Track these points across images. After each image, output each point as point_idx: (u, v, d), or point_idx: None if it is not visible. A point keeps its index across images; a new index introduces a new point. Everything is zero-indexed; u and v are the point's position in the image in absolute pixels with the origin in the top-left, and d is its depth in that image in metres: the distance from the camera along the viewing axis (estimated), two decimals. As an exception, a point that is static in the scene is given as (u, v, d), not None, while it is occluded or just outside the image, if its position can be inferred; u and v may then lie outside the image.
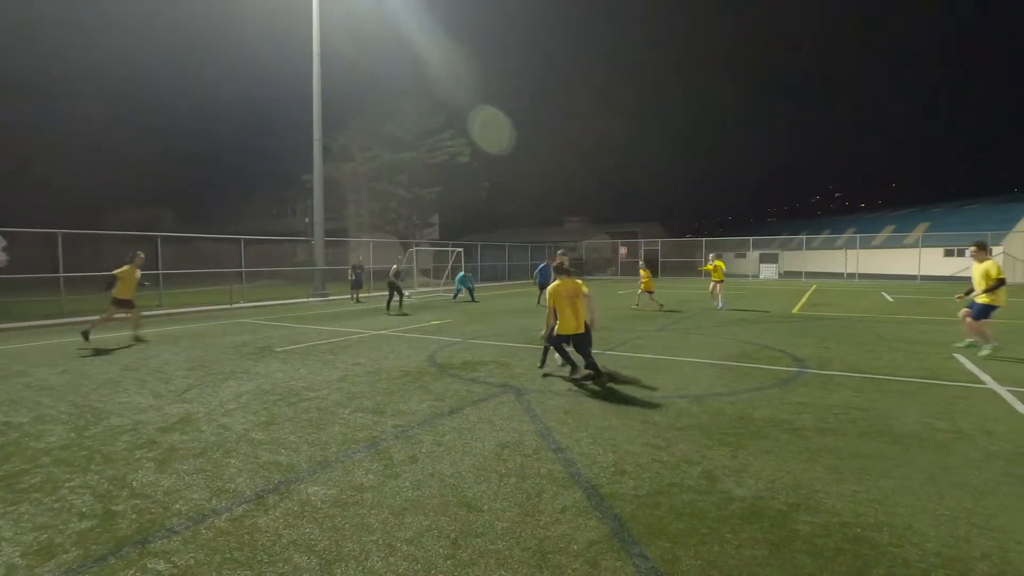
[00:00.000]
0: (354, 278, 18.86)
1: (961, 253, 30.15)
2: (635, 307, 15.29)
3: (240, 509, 3.25)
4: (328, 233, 22.46)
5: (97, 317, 10.31)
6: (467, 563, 2.66)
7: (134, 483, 3.66)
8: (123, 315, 10.18)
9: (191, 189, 46.11)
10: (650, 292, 15.13)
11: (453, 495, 3.40)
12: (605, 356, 8.08)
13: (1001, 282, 7.58)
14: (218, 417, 5.15)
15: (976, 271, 7.88)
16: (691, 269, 36.18)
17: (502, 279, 32.11)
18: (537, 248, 37.42)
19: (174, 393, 6.10)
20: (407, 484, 3.57)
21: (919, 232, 34.01)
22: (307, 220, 31.37)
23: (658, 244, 37.82)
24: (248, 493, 3.47)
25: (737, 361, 7.60)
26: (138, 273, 10.12)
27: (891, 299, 13.25)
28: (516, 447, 4.23)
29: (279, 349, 8.97)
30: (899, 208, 47.09)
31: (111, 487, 3.60)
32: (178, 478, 3.73)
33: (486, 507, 3.23)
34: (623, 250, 40.95)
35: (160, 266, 16.47)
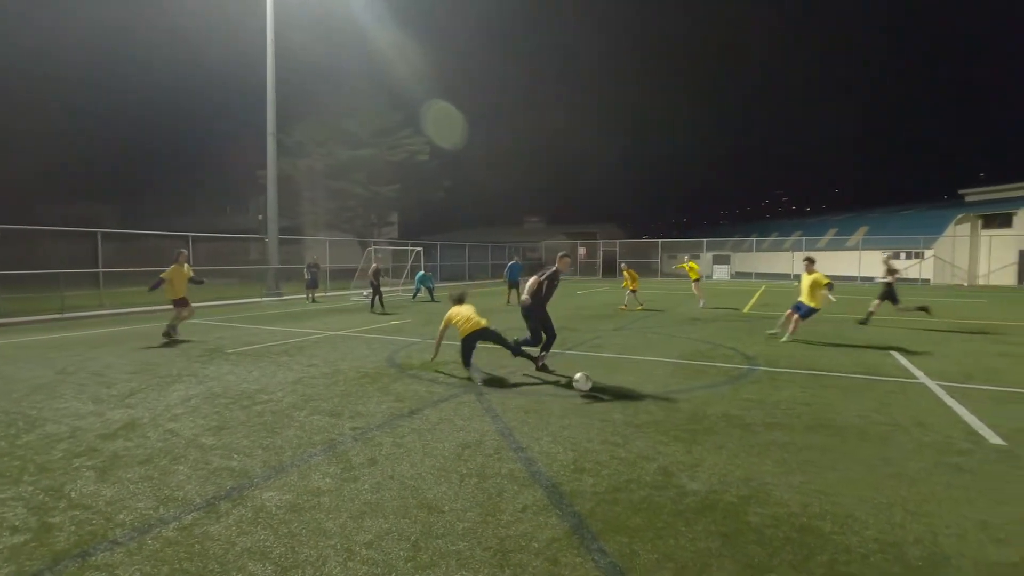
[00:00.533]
0: (309, 277, 18.41)
1: (896, 256, 31.96)
2: (623, 307, 15.34)
3: (189, 517, 3.12)
4: (283, 231, 21.85)
5: (168, 324, 9.82)
6: (428, 565, 2.64)
7: (73, 493, 3.46)
8: (187, 313, 10.00)
9: (135, 183, 43.95)
10: (633, 291, 15.34)
11: (413, 497, 3.37)
12: (566, 356, 8.18)
13: (829, 286, 9.29)
14: (165, 422, 4.93)
15: (806, 280, 9.37)
16: (648, 269, 37.01)
17: (462, 279, 31.98)
18: (497, 248, 37.47)
19: (117, 398, 5.80)
20: (366, 487, 3.52)
21: (859, 235, 35.85)
22: (260, 217, 30.40)
23: (616, 245, 38.47)
24: (198, 500, 3.34)
25: (692, 359, 7.83)
26: (188, 270, 9.89)
27: (834, 299, 13.97)
28: (477, 447, 4.23)
29: (231, 351, 8.66)
30: (841, 212, 49.52)
31: (47, 498, 3.40)
32: (121, 487, 3.55)
33: (447, 508, 3.22)
34: (582, 251, 41.47)
35: (100, 264, 15.63)
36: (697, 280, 15.85)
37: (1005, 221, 29.85)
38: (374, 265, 15.72)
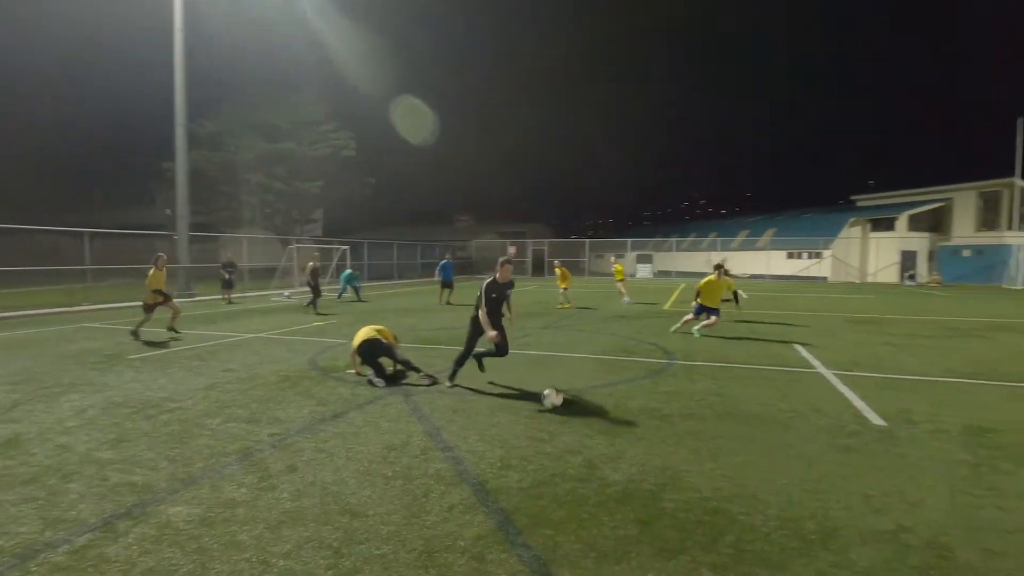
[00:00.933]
0: (227, 277, 17.35)
1: (799, 255, 34.68)
2: (559, 306, 15.45)
3: (83, 539, 2.87)
4: (194, 228, 20.44)
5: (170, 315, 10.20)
6: (350, 571, 2.58)
7: (-60, 521, 3.08)
8: (166, 307, 10.14)
9: (25, 174, 39.46)
10: (565, 289, 15.60)
11: (336, 503, 3.28)
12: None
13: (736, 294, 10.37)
14: (55, 436, 4.49)
15: (713, 283, 10.14)
16: (576, 268, 37.92)
17: (390, 278, 31.34)
18: (428, 247, 37.02)
19: (-4, 412, 5.21)
20: (285, 495, 3.37)
21: (768, 236, 38.54)
22: (168, 212, 28.27)
23: (545, 244, 39.12)
24: (93, 520, 3.07)
25: (615, 355, 8.11)
26: (155, 272, 9.96)
27: (745, 295, 15.01)
28: (403, 449, 4.17)
29: (133, 356, 8.02)
30: (752, 215, 53.00)
31: (-93, 528, 3.00)
32: (1, 511, 3.20)
33: (371, 512, 3.16)
34: (512, 249, 41.86)
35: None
36: (621, 280, 16.66)
37: (889, 225, 33.16)
38: (311, 264, 15.01)
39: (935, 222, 33.74)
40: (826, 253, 33.67)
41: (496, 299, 5.96)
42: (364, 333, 6.55)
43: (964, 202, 33.14)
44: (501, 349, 6.07)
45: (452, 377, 6.20)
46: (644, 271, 37.66)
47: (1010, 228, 30.36)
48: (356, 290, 18.00)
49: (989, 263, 28.93)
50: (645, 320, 12.52)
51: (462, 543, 2.82)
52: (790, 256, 35.49)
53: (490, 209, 65.03)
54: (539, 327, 11.37)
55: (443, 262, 17.02)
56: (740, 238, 40.79)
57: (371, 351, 6.39)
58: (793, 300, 18.55)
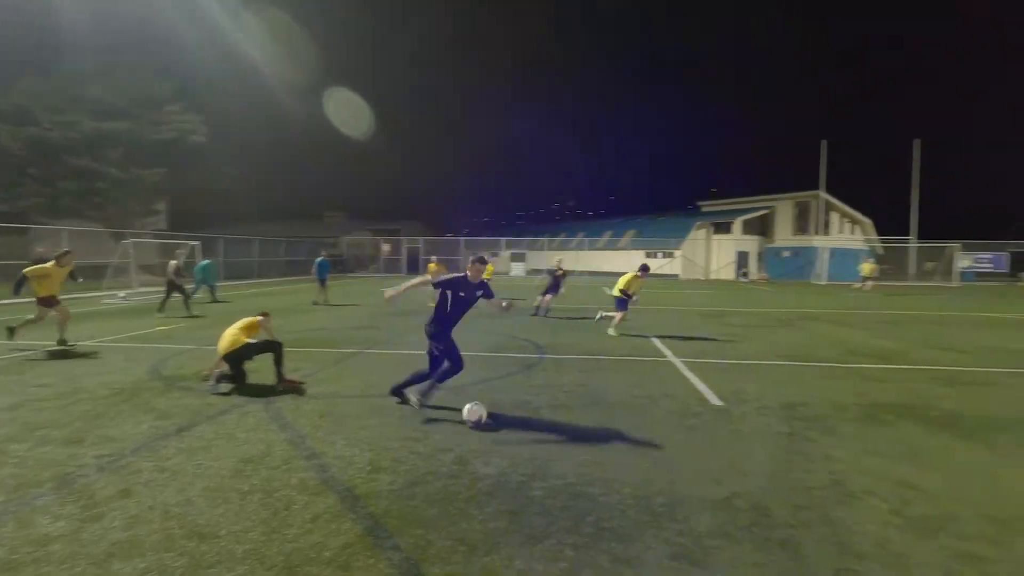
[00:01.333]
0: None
1: (655, 255, 38.01)
2: (431, 304, 15.09)
3: None
4: (-4, 217, 17.12)
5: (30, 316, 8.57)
6: (197, 600, 2.34)
7: None
8: (53, 314, 8.58)
9: None
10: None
11: (180, 526, 2.95)
12: (367, 355, 7.96)
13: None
14: None
15: (626, 279, 10.55)
16: (453, 267, 37.92)
17: (249, 276, 28.90)
18: (294, 244, 34.71)
19: None
20: (116, 524, 2.97)
21: (629, 237, 41.71)
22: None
23: (420, 242, 38.65)
24: None
25: (490, 352, 8.26)
26: (59, 270, 8.58)
27: (610, 292, 16.38)
28: (262, 461, 3.87)
29: (-93, 374, 6.52)
30: (615, 216, 57.00)
31: None
32: None
33: (223, 532, 2.89)
34: (386, 247, 40.76)
35: None
36: (490, 278, 17.12)
37: (727, 228, 37.62)
38: (173, 262, 13.22)
39: (763, 227, 38.92)
40: (677, 253, 37.26)
41: (462, 299, 5.10)
42: (231, 337, 5.88)
43: (784, 210, 38.64)
44: (456, 364, 5.09)
45: (406, 395, 5.31)
46: (517, 269, 38.80)
47: (816, 233, 36.01)
48: (211, 289, 16.34)
49: (802, 262, 34.00)
50: (518, 317, 12.90)
51: (327, 553, 2.69)
52: (648, 255, 38.76)
53: (363, 206, 62.75)
54: (415, 326, 11.20)
55: (319, 260, 16.06)
56: (605, 238, 43.61)
57: (239, 357, 5.83)
58: (651, 296, 20.28)
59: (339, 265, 35.19)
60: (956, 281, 31.92)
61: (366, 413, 5.03)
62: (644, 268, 10.86)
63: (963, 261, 33.70)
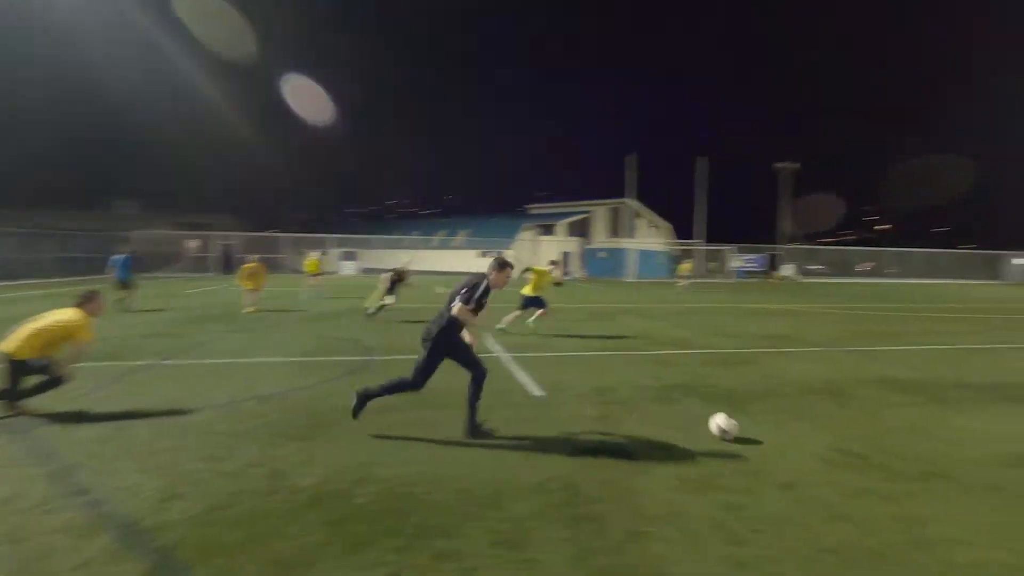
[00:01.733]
0: None
1: (488, 254, 39.32)
2: (246, 310, 13.30)
3: None
4: None
5: None
6: None
7: None
8: None
9: None
10: (254, 289, 13.49)
11: None
12: (163, 366, 6.95)
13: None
14: None
15: (539, 276, 10.73)
16: (278, 266, 34.89)
17: (10, 278, 23.34)
18: (69, 236, 28.88)
19: None
20: None
21: (462, 236, 42.53)
22: None
23: (235, 238, 34.88)
24: None
25: (313, 356, 7.77)
26: None
27: (441, 291, 16.55)
28: (9, 504, 3.14)
29: None
30: (449, 216, 57.71)
31: None
32: None
33: (-55, 601, 2.29)
34: (193, 243, 36.02)
35: None
36: (316, 275, 17.59)
37: (551, 230, 40.46)
38: None
39: (583, 229, 42.60)
40: (508, 252, 38.99)
41: (483, 307, 4.59)
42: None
43: (600, 214, 42.75)
44: (421, 379, 4.55)
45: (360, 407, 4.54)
46: (349, 268, 37.16)
47: (626, 236, 40.53)
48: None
49: (615, 262, 37.96)
50: (346, 318, 12.35)
51: (99, 603, 2.28)
52: (483, 255, 39.93)
53: (166, 196, 54.50)
54: (227, 330, 10.06)
55: (121, 257, 13.31)
56: (439, 237, 43.92)
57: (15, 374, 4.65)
58: (482, 294, 20.89)
59: (137, 264, 30.16)
60: (732, 278, 38.43)
61: (160, 434, 4.38)
62: (555, 263, 11.55)
63: (735, 261, 40.74)
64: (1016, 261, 48.33)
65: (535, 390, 6.01)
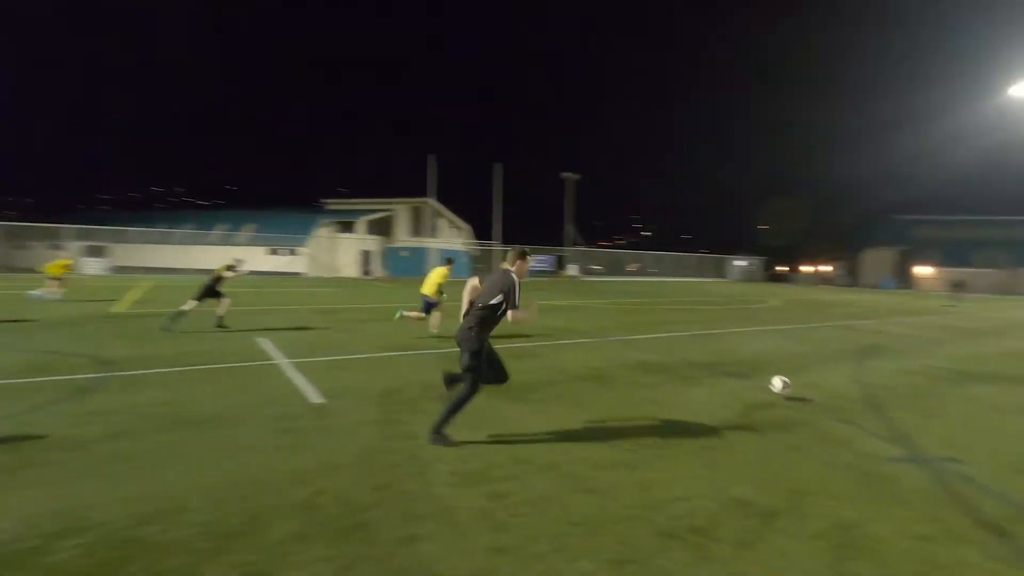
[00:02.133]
0: None
1: (278, 252, 36.01)
2: None
3: None
4: None
5: None
6: None
7: None
8: None
9: None
10: None
11: None
12: None
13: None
14: None
15: (435, 275, 10.07)
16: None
17: None
18: None
19: None
20: None
21: (248, 232, 38.24)
22: None
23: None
24: None
25: (19, 378, 6.12)
26: None
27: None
28: None
29: None
30: (231, 209, 51.46)
31: None
32: None
33: None
34: None
35: None
36: (57, 278, 14.67)
37: (350, 227, 38.81)
38: None
39: (384, 227, 41.69)
40: (302, 250, 36.28)
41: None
42: None
43: (402, 213, 42.31)
44: (501, 373, 4.65)
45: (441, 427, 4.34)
46: (96, 266, 30.70)
47: (428, 235, 40.83)
48: None
49: (418, 261, 37.96)
50: (80, 327, 10.08)
51: None
52: (273, 252, 36.42)
53: None
54: None
55: None
56: (218, 232, 38.93)
57: None
58: (269, 295, 19.05)
59: None
60: (526, 277, 41.33)
61: None
62: (450, 261, 10.75)
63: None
64: (736, 262, 61.40)
65: (315, 397, 5.58)
